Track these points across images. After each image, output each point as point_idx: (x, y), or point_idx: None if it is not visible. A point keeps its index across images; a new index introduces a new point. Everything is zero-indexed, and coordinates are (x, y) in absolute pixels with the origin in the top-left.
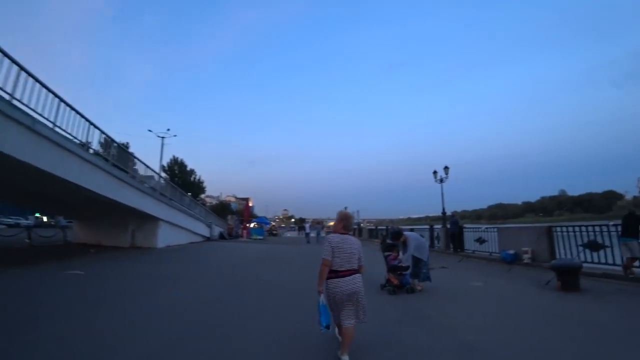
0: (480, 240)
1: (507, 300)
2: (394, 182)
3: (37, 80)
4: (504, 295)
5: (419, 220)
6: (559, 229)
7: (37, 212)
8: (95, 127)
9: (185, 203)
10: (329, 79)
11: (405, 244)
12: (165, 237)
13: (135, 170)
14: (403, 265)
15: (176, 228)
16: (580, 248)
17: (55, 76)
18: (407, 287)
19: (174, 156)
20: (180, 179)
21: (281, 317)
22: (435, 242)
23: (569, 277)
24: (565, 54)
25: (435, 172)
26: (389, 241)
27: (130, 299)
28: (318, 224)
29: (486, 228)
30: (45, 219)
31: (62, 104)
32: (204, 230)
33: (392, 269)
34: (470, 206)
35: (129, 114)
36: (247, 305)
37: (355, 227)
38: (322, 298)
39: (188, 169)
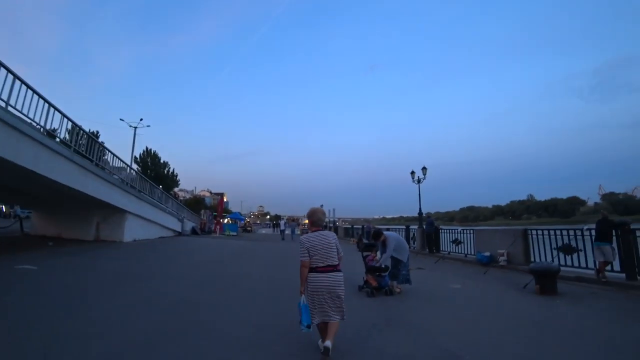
0: (457, 242)
1: (487, 303)
2: (370, 182)
3: None
4: (483, 299)
5: (393, 220)
6: (533, 232)
7: None
8: (56, 109)
9: (155, 196)
10: (309, 76)
11: (384, 244)
12: (132, 231)
13: (106, 161)
14: (381, 266)
15: (145, 221)
16: (555, 251)
17: (19, 56)
18: (386, 289)
19: (147, 147)
20: (153, 171)
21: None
22: (411, 242)
23: (547, 281)
24: (534, 64)
25: (412, 173)
26: (366, 241)
27: (86, 298)
28: (293, 221)
29: (462, 230)
30: (4, 208)
31: (17, 82)
32: (175, 225)
33: (371, 270)
34: (443, 208)
35: (101, 102)
36: (228, 305)
37: (331, 225)
38: (303, 298)
39: (162, 161)
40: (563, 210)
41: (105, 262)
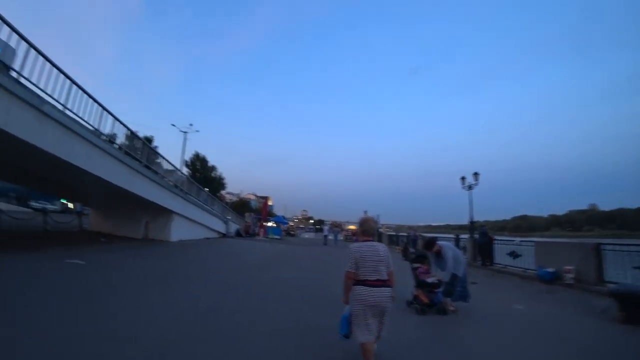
0: (514, 254)
1: (558, 331)
2: (414, 188)
3: (46, 58)
4: (553, 324)
5: (438, 228)
6: (608, 247)
7: (62, 199)
8: (109, 113)
9: (202, 198)
10: (353, 81)
11: (439, 255)
12: (179, 231)
13: (159, 164)
14: (436, 282)
15: (191, 222)
16: (636, 271)
17: (82, 69)
18: (438, 307)
19: (196, 152)
20: (202, 175)
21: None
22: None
23: (634, 307)
24: (595, 63)
25: (463, 178)
26: (412, 250)
27: (124, 295)
28: (336, 227)
29: (521, 241)
30: (71, 205)
31: (74, 87)
32: (220, 227)
33: (422, 284)
34: (493, 216)
35: (154, 109)
36: (270, 310)
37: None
38: (347, 308)
39: (209, 165)
40: (632, 222)
41: (149, 261)
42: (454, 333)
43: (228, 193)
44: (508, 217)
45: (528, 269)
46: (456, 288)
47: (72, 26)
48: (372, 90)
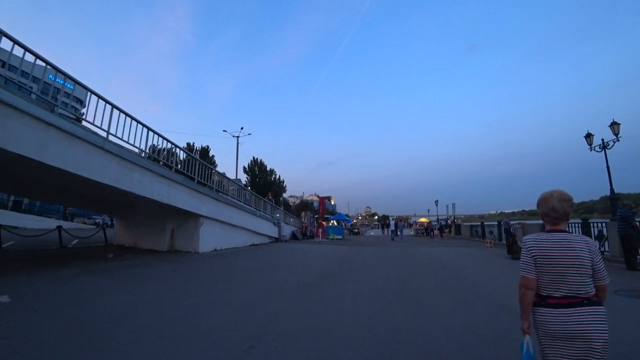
0: None
1: None
2: (481, 175)
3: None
4: None
5: (514, 215)
6: None
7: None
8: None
9: (243, 197)
10: (410, 68)
11: None
12: (211, 239)
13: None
14: None
15: (228, 227)
16: None
17: (150, 97)
18: None
19: (254, 157)
20: (261, 179)
21: None
22: (598, 245)
23: None
24: None
25: (589, 136)
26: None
27: None
28: (401, 221)
29: None
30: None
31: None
32: (270, 230)
33: None
34: (577, 198)
35: (210, 121)
36: None
37: (442, 223)
38: (528, 341)
39: (268, 169)
40: None
41: (139, 288)
42: None
43: (291, 197)
44: (595, 197)
45: None
46: None
47: (139, 63)
48: (433, 76)
